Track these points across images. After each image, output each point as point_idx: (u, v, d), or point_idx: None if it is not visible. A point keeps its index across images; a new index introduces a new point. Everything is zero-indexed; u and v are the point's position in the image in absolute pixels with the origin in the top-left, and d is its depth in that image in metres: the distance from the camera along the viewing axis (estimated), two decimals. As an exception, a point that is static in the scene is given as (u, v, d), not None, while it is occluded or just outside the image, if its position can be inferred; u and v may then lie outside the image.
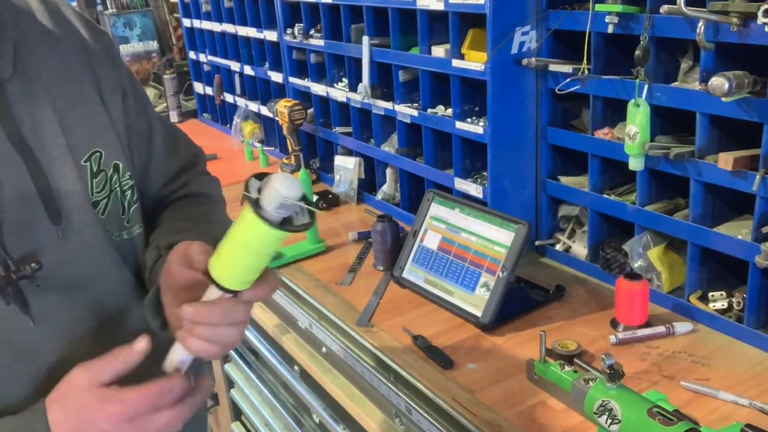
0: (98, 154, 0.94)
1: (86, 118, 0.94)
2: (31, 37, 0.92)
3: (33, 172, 0.87)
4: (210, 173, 1.21)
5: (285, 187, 0.71)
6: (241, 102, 2.88)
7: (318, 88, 2.31)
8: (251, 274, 0.78)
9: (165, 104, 3.47)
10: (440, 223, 1.64)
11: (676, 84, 1.41)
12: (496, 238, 1.51)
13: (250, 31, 2.62)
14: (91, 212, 0.93)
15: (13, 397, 0.89)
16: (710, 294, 1.42)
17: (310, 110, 2.39)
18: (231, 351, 2.20)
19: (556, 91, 1.58)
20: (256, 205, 0.72)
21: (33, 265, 0.85)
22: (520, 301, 1.54)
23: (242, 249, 0.76)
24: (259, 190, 0.73)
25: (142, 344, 0.82)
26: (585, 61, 1.49)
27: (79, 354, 0.88)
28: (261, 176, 0.74)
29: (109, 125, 0.97)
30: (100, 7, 4.23)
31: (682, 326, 1.40)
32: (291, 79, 2.46)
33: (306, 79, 2.38)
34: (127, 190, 0.98)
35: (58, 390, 0.83)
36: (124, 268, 0.99)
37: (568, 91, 1.56)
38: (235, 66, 2.85)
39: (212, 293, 0.80)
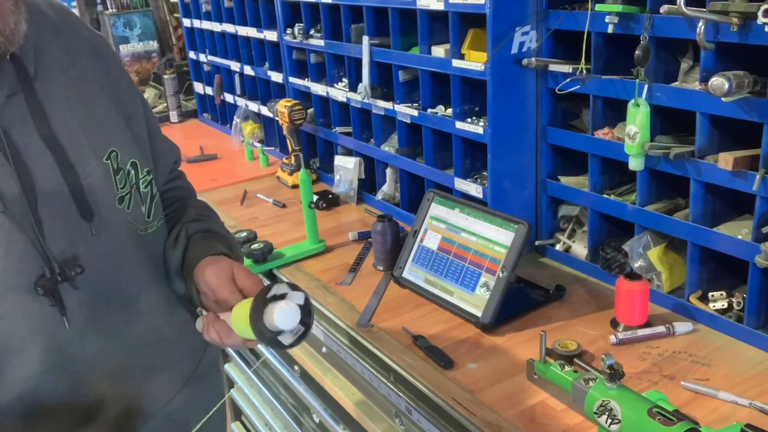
0: (115, 153, 0.96)
1: (100, 118, 0.96)
2: (46, 38, 0.94)
3: (64, 169, 0.89)
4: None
5: (282, 323, 0.86)
6: (241, 102, 2.88)
7: (318, 88, 2.31)
8: (250, 336, 0.93)
9: (165, 104, 3.47)
10: (440, 223, 1.64)
11: (676, 84, 1.41)
12: (496, 238, 1.51)
13: (250, 31, 2.62)
14: (118, 208, 0.96)
15: (56, 398, 0.90)
16: (710, 294, 1.42)
17: (310, 110, 2.40)
18: (231, 351, 2.21)
19: (556, 91, 1.58)
20: (257, 321, 0.88)
21: (77, 269, 0.89)
22: (520, 301, 1.55)
23: (242, 328, 0.93)
24: (273, 297, 0.89)
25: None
26: (584, 61, 1.49)
27: (111, 349, 0.92)
28: (270, 289, 0.91)
29: (123, 125, 0.99)
30: (100, 7, 4.23)
31: (682, 326, 1.40)
32: (291, 79, 2.46)
33: (306, 79, 2.38)
34: (146, 186, 1.01)
35: None
36: (150, 261, 1.03)
37: (568, 91, 1.56)
38: (235, 66, 2.85)
39: (229, 325, 0.98)
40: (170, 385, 1.09)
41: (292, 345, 0.91)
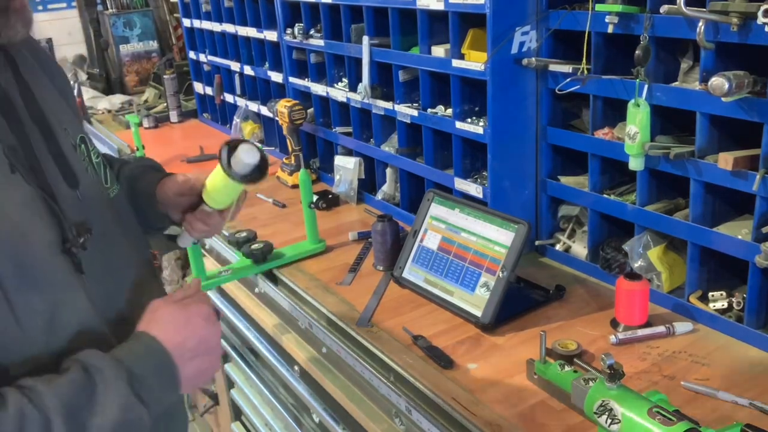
0: (66, 130, 1.03)
1: (54, 102, 1.05)
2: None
3: (48, 138, 0.98)
4: None
5: (247, 157, 1.07)
6: (241, 102, 2.88)
7: (318, 88, 2.31)
8: (227, 202, 1.21)
9: (165, 104, 3.47)
10: (440, 223, 1.64)
11: (676, 84, 1.41)
12: (496, 238, 1.51)
13: (250, 31, 2.62)
14: (87, 175, 1.03)
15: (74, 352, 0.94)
16: (710, 294, 1.43)
17: (310, 110, 2.40)
18: (231, 351, 2.20)
19: (556, 91, 1.58)
20: (228, 166, 1.09)
21: (87, 233, 0.96)
22: (520, 301, 1.55)
23: (219, 190, 1.17)
24: (231, 150, 1.08)
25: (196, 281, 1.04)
26: (584, 61, 1.49)
27: (117, 299, 1.01)
28: (232, 142, 1.09)
29: (69, 110, 1.09)
30: (100, 7, 4.23)
31: (682, 326, 1.40)
32: (291, 79, 2.46)
33: (306, 79, 2.38)
34: (97, 157, 1.10)
35: (144, 320, 0.96)
36: (120, 222, 1.10)
37: (568, 91, 1.56)
38: (235, 66, 2.85)
39: (206, 208, 1.22)
40: None
41: (260, 177, 1.12)
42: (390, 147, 2.08)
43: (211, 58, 3.05)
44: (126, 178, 1.26)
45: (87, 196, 1.00)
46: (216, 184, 1.15)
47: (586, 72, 1.50)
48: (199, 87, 3.32)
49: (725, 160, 1.30)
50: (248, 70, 2.73)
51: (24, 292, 0.87)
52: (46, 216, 0.92)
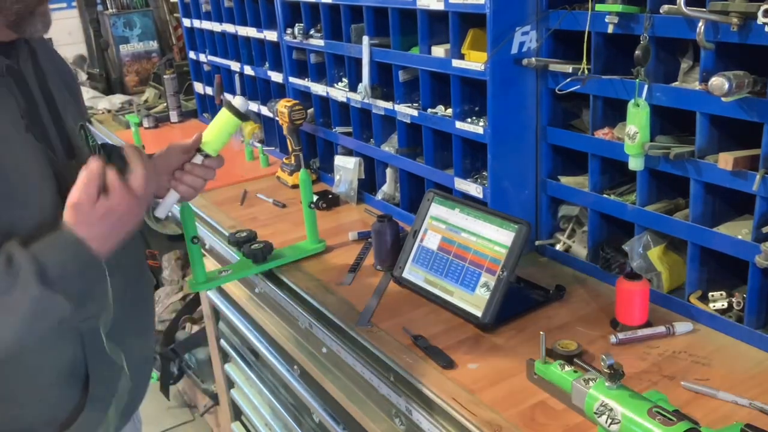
0: (69, 114, 1.22)
1: (61, 90, 1.23)
2: None
3: (54, 116, 1.16)
4: None
5: (242, 104, 1.41)
6: (241, 102, 2.88)
7: (318, 88, 2.31)
8: (219, 147, 1.42)
9: (165, 104, 3.47)
10: (440, 223, 1.64)
11: (676, 84, 1.41)
12: (496, 238, 1.51)
13: (250, 31, 2.62)
14: (85, 152, 1.21)
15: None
16: (710, 294, 1.43)
17: (310, 110, 2.40)
18: (231, 351, 2.21)
19: (556, 91, 1.58)
20: (230, 106, 1.41)
21: None
22: (520, 301, 1.55)
23: (221, 131, 1.42)
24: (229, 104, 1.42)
25: (93, 163, 1.08)
26: (585, 61, 1.49)
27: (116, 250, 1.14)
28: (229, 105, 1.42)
29: (73, 101, 1.27)
30: (100, 7, 4.23)
31: (682, 326, 1.40)
32: (291, 79, 2.46)
33: (306, 79, 2.38)
34: (93, 141, 1.27)
35: (62, 221, 1.07)
36: None
37: (568, 91, 1.56)
38: (235, 66, 2.85)
39: (196, 160, 1.41)
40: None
41: (248, 117, 1.46)
42: (390, 147, 2.08)
43: (211, 58, 3.05)
44: (120, 157, 1.36)
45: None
46: (219, 127, 1.42)
47: (586, 72, 1.49)
48: (199, 87, 3.32)
49: (725, 160, 1.30)
50: (248, 70, 2.73)
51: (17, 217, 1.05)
52: (49, 172, 1.10)
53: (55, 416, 1.20)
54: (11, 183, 1.05)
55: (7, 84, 1.10)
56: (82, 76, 4.25)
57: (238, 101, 1.43)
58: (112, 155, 1.41)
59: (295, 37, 2.30)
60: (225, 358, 2.33)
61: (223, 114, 1.42)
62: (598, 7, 1.43)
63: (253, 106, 2.79)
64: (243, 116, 1.44)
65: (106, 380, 1.25)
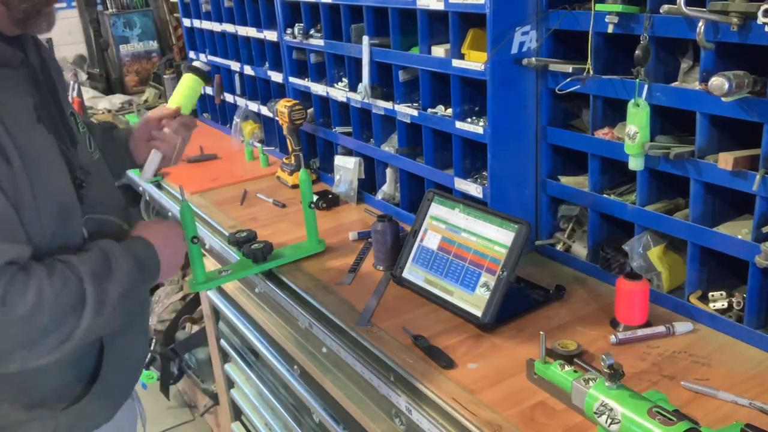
0: (66, 105, 1.32)
1: (59, 81, 1.31)
2: None
3: (57, 106, 1.24)
4: None
5: (200, 64, 1.65)
6: (241, 102, 2.88)
7: (318, 88, 2.31)
8: (190, 105, 1.63)
9: (165, 104, 3.46)
10: (440, 223, 1.64)
11: (676, 84, 1.41)
12: (496, 238, 1.51)
13: (250, 31, 2.62)
14: (79, 139, 1.31)
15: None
16: (710, 294, 1.43)
17: (310, 110, 2.40)
18: (231, 351, 2.21)
19: (556, 91, 1.58)
20: (193, 69, 1.63)
21: (88, 175, 1.25)
22: (520, 301, 1.55)
23: (186, 90, 1.64)
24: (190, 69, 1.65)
25: None
26: (589, 60, 1.49)
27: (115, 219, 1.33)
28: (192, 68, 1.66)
29: (63, 91, 1.34)
30: (100, 7, 4.23)
31: (682, 326, 1.40)
32: (291, 79, 2.46)
33: (306, 79, 2.38)
34: (83, 128, 1.36)
35: (135, 230, 1.33)
36: (105, 181, 1.39)
37: (568, 91, 1.56)
38: (235, 66, 2.85)
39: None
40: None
41: (210, 80, 1.58)
42: (390, 147, 2.08)
43: (211, 58, 3.05)
44: (104, 129, 1.60)
45: (81, 152, 1.28)
46: (185, 88, 1.63)
47: (591, 72, 1.49)
48: (199, 87, 3.32)
49: (725, 160, 1.30)
50: (248, 70, 2.73)
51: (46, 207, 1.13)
52: (62, 160, 1.18)
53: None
54: (41, 173, 1.12)
55: (24, 75, 1.17)
56: (82, 76, 4.25)
57: (199, 63, 1.66)
58: (96, 131, 1.54)
59: (295, 37, 2.30)
60: (225, 358, 2.33)
61: (188, 77, 1.63)
62: (598, 7, 1.43)
63: (253, 106, 2.80)
64: (204, 77, 1.64)
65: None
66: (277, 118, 2.39)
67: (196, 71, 1.61)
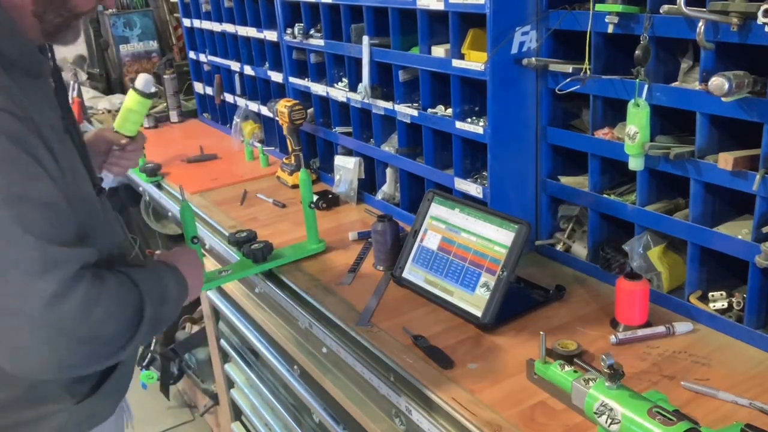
0: None
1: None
2: None
3: (71, 116, 1.25)
4: None
5: (146, 80, 1.57)
6: (241, 102, 2.88)
7: (318, 88, 2.31)
8: (136, 128, 1.58)
9: (165, 104, 3.47)
10: (440, 223, 1.64)
11: (676, 84, 1.41)
12: (496, 238, 1.51)
13: (250, 31, 2.62)
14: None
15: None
16: (710, 294, 1.43)
17: (310, 110, 2.40)
18: (231, 351, 2.21)
19: (556, 91, 1.58)
20: (135, 89, 1.57)
21: (101, 186, 1.31)
22: (520, 301, 1.55)
23: (131, 113, 1.57)
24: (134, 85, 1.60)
25: None
26: (587, 60, 1.49)
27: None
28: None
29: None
30: (100, 7, 4.22)
31: (682, 326, 1.40)
32: (291, 79, 2.46)
33: (306, 79, 2.38)
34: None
35: (162, 257, 1.34)
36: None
37: (568, 91, 1.56)
38: (235, 66, 2.85)
39: (121, 142, 1.55)
40: None
41: (154, 94, 1.62)
42: (390, 147, 2.08)
43: (211, 58, 3.05)
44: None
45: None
46: (129, 110, 1.57)
47: (589, 72, 1.49)
48: (199, 87, 3.32)
49: (725, 160, 1.30)
50: (248, 70, 2.73)
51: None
52: (84, 169, 1.21)
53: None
54: (75, 181, 1.14)
55: (49, 85, 1.20)
56: (82, 76, 4.24)
57: (140, 82, 1.57)
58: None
59: (295, 37, 2.30)
60: (225, 358, 2.33)
61: (132, 96, 1.58)
62: (598, 7, 1.43)
63: (253, 106, 2.80)
64: (149, 95, 1.58)
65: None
66: (277, 118, 2.39)
67: (138, 91, 1.57)
